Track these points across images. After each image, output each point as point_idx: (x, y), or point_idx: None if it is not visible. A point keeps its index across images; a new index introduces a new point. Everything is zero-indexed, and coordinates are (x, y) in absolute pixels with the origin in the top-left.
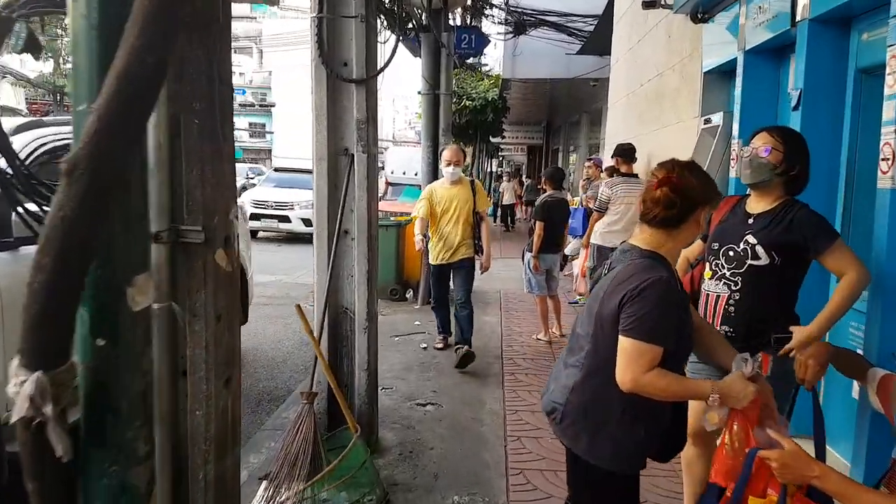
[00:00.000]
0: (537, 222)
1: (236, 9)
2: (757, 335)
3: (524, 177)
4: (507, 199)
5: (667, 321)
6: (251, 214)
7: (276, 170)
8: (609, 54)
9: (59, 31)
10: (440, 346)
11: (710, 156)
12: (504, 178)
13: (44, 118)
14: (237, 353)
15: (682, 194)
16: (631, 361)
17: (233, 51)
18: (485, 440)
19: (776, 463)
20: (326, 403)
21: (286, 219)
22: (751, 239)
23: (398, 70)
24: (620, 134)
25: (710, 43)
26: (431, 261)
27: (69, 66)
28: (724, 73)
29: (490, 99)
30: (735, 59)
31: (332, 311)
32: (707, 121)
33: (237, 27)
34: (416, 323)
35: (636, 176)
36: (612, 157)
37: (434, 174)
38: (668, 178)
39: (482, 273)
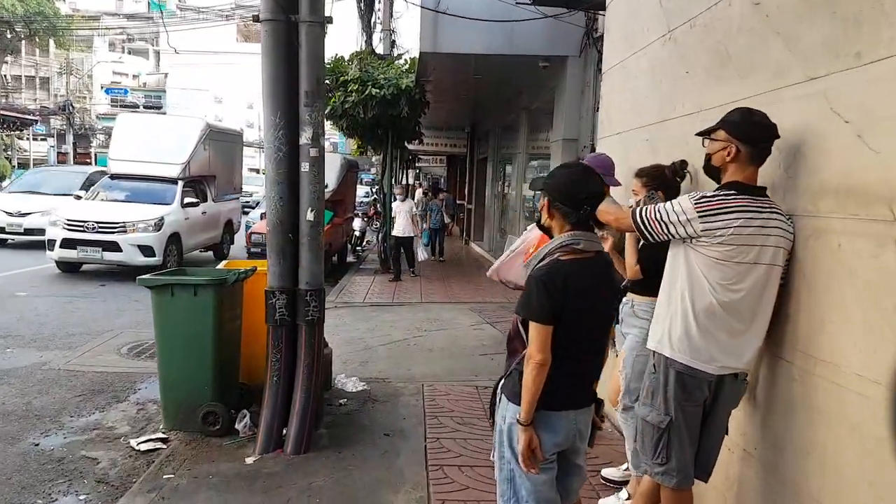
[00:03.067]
0: (533, 325)
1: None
2: None
3: (444, 192)
4: (401, 228)
5: None
6: (63, 240)
7: (113, 177)
8: (579, 8)
9: None
10: None
11: None
12: (397, 195)
13: None
14: None
15: None
16: None
17: (126, 52)
18: None
19: None
20: None
21: (114, 246)
22: None
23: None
24: (625, 118)
25: None
26: None
27: None
28: None
29: (404, 87)
30: None
31: None
32: None
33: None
34: None
35: (763, 191)
36: (707, 138)
37: (294, 175)
38: None
39: None
